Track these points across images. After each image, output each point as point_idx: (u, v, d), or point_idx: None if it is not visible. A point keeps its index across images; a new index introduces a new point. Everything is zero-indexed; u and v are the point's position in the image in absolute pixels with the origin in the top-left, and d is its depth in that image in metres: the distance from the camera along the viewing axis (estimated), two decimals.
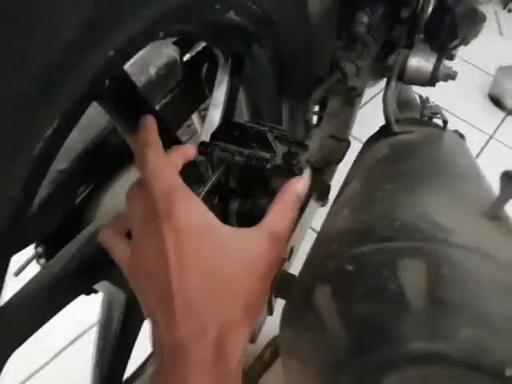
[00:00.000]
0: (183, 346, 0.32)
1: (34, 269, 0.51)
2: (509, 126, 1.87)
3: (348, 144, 0.68)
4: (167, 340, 0.33)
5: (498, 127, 1.86)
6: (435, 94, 0.72)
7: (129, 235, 0.40)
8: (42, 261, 0.55)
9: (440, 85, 0.90)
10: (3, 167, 0.29)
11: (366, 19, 0.79)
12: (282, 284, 0.45)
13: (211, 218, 0.38)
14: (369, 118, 1.10)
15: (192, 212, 0.36)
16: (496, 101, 1.92)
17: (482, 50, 1.91)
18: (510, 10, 2.43)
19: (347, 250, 0.28)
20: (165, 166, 0.38)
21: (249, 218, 0.51)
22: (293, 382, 0.29)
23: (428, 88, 0.73)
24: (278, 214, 0.40)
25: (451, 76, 0.66)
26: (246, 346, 0.32)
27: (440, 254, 0.26)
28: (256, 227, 0.39)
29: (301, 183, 0.43)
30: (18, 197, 0.31)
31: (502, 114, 1.90)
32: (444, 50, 0.66)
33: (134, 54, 0.39)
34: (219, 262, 0.34)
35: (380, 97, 0.65)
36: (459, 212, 0.33)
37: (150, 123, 0.41)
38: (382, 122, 0.68)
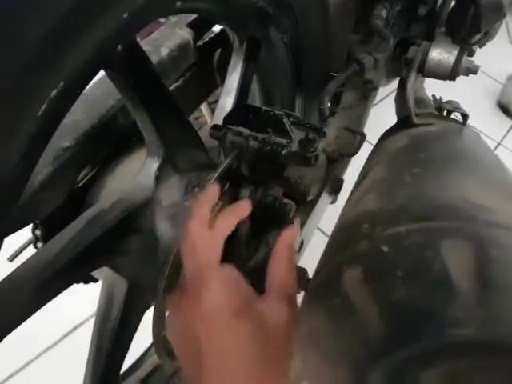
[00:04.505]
0: None
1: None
2: None
3: (363, 137, 0.66)
4: None
5: (505, 134, 1.85)
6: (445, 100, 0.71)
7: None
8: (40, 245, 0.52)
9: (449, 90, 0.88)
10: (4, 126, 0.26)
11: (384, 12, 0.77)
12: None
13: (239, 300, 0.37)
14: (376, 120, 1.08)
15: (220, 300, 0.36)
16: (504, 109, 1.90)
17: (491, 58, 1.89)
18: None
19: (381, 231, 0.26)
20: (204, 242, 0.39)
21: (259, 206, 0.48)
22: (313, 376, 0.26)
23: (438, 93, 0.71)
24: (282, 275, 0.39)
25: (472, 70, 0.64)
26: None
27: (485, 235, 0.23)
28: (273, 296, 0.38)
29: (291, 233, 0.42)
30: (18, 163, 0.29)
31: (510, 121, 1.89)
32: (466, 44, 0.64)
33: (149, 22, 0.37)
34: (251, 345, 0.34)
35: (385, 101, 0.63)
36: (494, 194, 0.31)
37: (213, 194, 0.42)
38: (390, 125, 0.66)
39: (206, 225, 0.40)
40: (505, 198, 0.30)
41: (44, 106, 0.29)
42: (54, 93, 0.29)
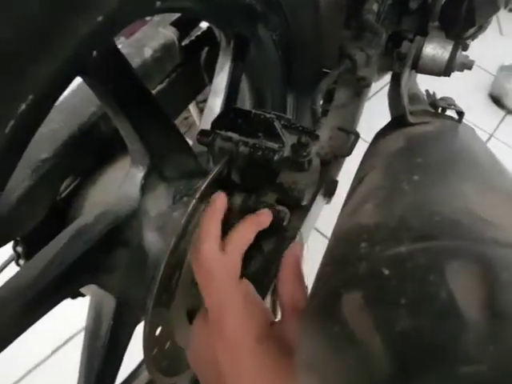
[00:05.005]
0: None
1: (12, 272, 0.46)
2: (508, 125, 1.85)
3: (357, 137, 0.64)
4: None
5: (497, 126, 1.84)
6: (437, 92, 0.69)
7: None
8: (22, 262, 0.50)
9: (441, 83, 0.86)
10: None
11: (375, 6, 0.75)
12: None
13: (260, 324, 0.36)
14: (369, 115, 1.06)
15: (242, 326, 0.35)
16: (496, 100, 1.89)
17: (483, 50, 1.88)
18: (510, 10, 2.39)
19: (381, 251, 0.24)
20: (219, 264, 0.37)
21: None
22: None
23: (429, 85, 0.70)
24: (294, 294, 0.37)
25: (467, 65, 0.62)
26: None
27: (494, 256, 0.21)
28: (287, 320, 0.36)
29: (296, 249, 0.40)
30: None
31: (502, 113, 1.88)
32: (461, 38, 0.62)
33: (126, 24, 0.34)
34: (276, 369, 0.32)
35: (378, 95, 0.60)
36: (497, 204, 0.29)
37: (221, 204, 0.40)
38: (384, 119, 0.64)
39: (217, 243, 0.38)
40: (509, 208, 0.28)
41: (12, 122, 0.26)
42: (22, 107, 0.27)
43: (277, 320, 0.37)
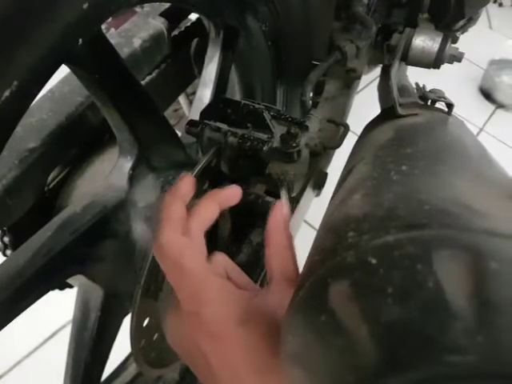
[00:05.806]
0: None
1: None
2: (498, 119, 1.87)
3: (346, 129, 0.64)
4: None
5: (487, 120, 1.86)
6: (427, 86, 0.69)
7: None
8: (9, 252, 0.49)
9: (431, 77, 0.86)
10: None
11: None
12: None
13: (241, 304, 0.33)
14: (358, 109, 1.06)
15: (221, 312, 0.32)
16: (486, 94, 1.90)
17: (472, 44, 1.89)
18: (500, 4, 2.41)
19: (368, 240, 0.24)
20: (184, 249, 0.33)
21: (240, 205, 0.46)
22: None
23: (419, 78, 0.70)
24: (281, 256, 0.34)
25: (457, 57, 0.62)
26: None
27: (482, 244, 0.21)
28: (274, 289, 0.34)
29: (281, 206, 0.36)
30: None
31: (492, 107, 1.90)
32: (450, 30, 0.62)
33: (114, 13, 0.34)
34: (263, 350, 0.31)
35: (367, 89, 0.60)
36: (486, 194, 0.29)
37: (187, 187, 0.36)
38: (373, 113, 0.65)
39: (180, 229, 0.33)
40: (498, 198, 0.28)
41: None
42: (6, 93, 0.26)
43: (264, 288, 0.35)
